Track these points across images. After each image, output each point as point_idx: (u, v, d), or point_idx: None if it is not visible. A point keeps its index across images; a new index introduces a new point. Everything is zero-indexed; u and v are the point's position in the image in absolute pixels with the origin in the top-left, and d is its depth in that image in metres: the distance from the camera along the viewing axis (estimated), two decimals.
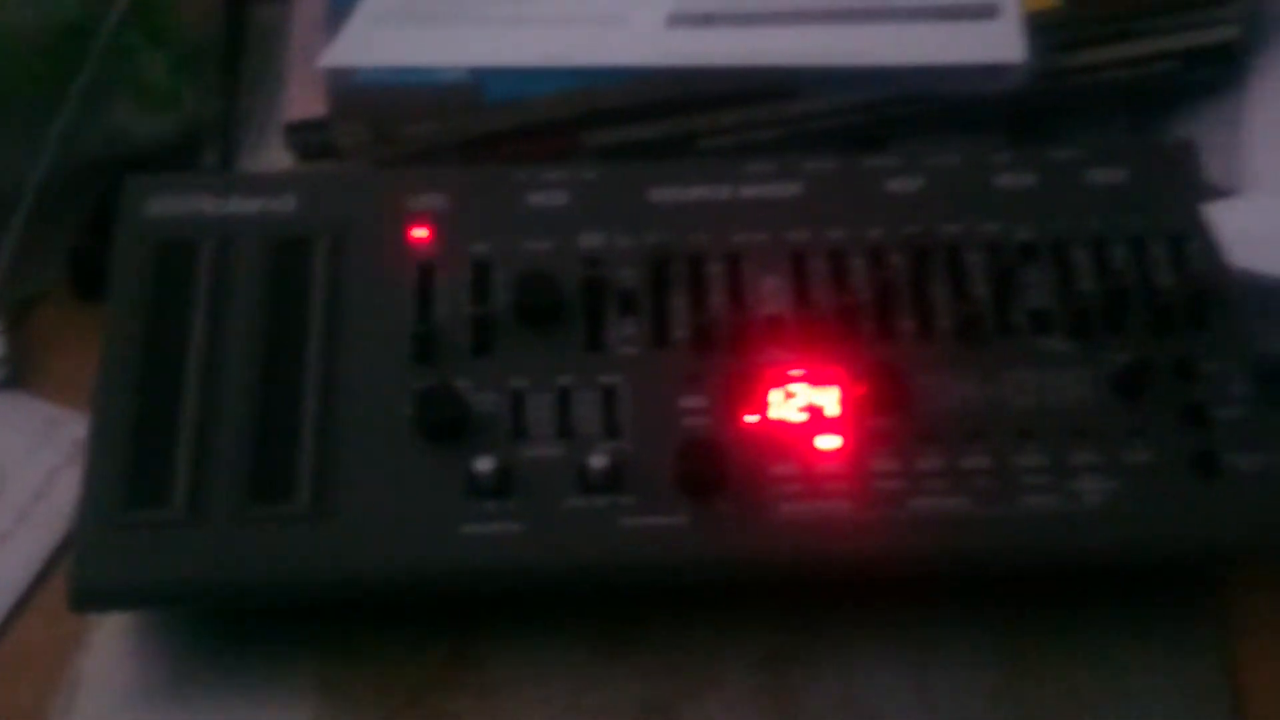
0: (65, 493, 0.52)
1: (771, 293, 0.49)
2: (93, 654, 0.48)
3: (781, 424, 0.47)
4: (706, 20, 0.56)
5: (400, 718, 0.46)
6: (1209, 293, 0.49)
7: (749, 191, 0.52)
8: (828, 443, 0.47)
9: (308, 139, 0.55)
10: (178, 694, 0.47)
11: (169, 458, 0.46)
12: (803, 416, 0.47)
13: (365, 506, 0.46)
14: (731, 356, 0.48)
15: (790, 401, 0.48)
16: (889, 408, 0.47)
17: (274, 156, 0.60)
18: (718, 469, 0.46)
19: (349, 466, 0.46)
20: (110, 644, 0.48)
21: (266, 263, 0.49)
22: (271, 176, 0.55)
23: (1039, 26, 0.55)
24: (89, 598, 0.45)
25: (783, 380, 0.48)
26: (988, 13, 0.55)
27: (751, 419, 0.47)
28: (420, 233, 0.50)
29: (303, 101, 0.56)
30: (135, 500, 0.45)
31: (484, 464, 0.45)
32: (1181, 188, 0.52)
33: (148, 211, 0.50)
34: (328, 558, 0.45)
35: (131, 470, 0.46)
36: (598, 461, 0.46)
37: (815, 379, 0.48)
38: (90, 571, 0.45)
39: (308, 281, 0.49)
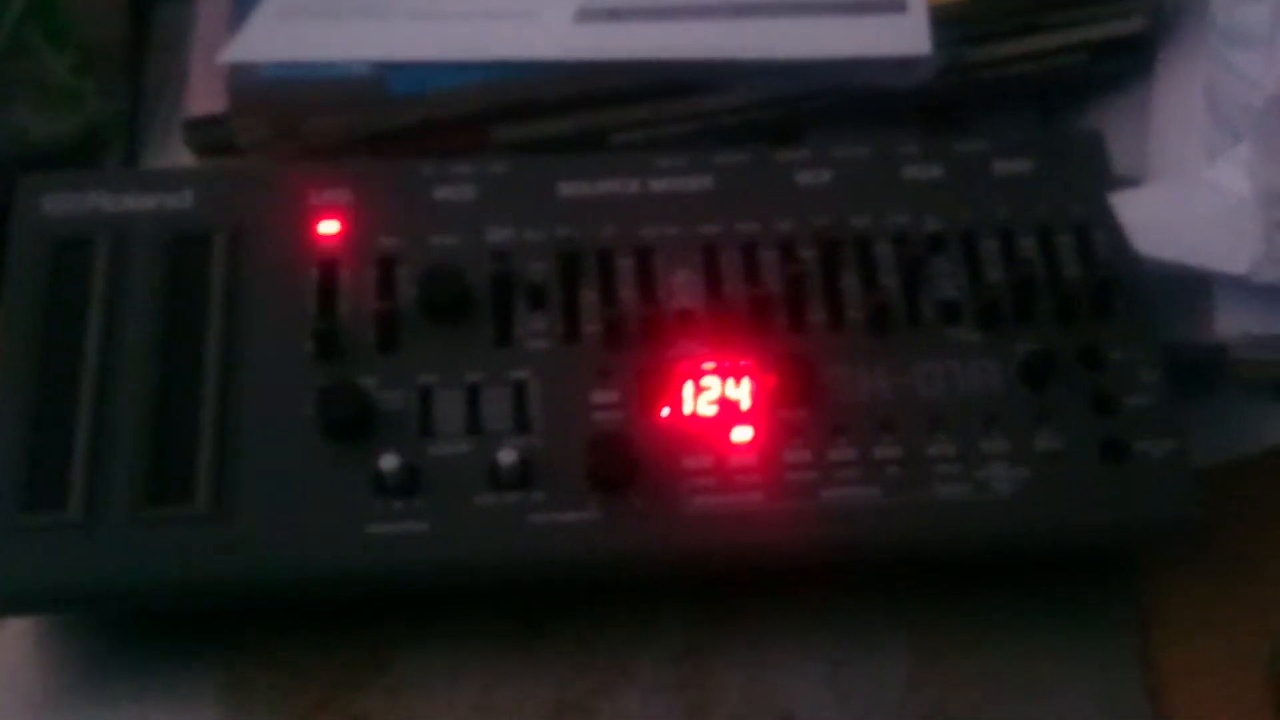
0: None
1: (682, 286, 0.49)
2: None
3: (693, 417, 0.47)
4: (615, 15, 0.56)
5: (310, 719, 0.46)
6: (1115, 282, 0.49)
7: (659, 185, 0.51)
8: (740, 435, 0.47)
9: (207, 135, 0.54)
10: (80, 701, 0.46)
11: (65, 459, 0.45)
12: (714, 409, 0.47)
13: (267, 507, 0.45)
14: (643, 351, 0.48)
15: (702, 395, 0.47)
16: (800, 399, 0.47)
17: (178, 156, 0.58)
18: (629, 463, 0.46)
19: (250, 466, 0.45)
20: (7, 651, 0.47)
21: (163, 260, 0.48)
22: (168, 173, 0.54)
23: (946, 20, 0.55)
24: None
25: (694, 374, 0.48)
26: (896, 7, 0.55)
27: (663, 413, 0.47)
28: (325, 228, 0.49)
29: (204, 98, 0.55)
30: (31, 503, 0.44)
31: (389, 462, 0.45)
32: (1088, 178, 0.52)
33: (42, 210, 0.49)
34: (229, 559, 0.44)
35: (27, 472, 0.45)
36: (507, 458, 0.45)
37: (727, 372, 0.48)
38: None
39: (206, 278, 0.48)
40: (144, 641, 0.47)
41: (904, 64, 0.54)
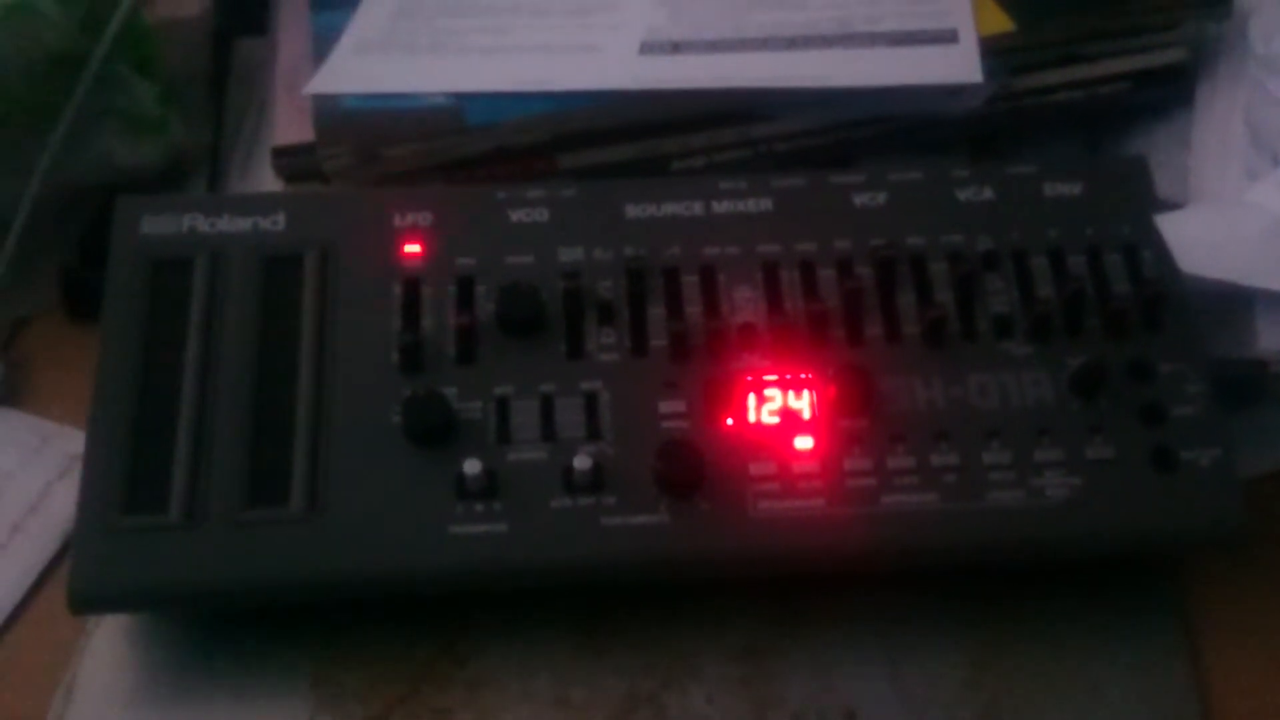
0: (59, 506, 0.53)
1: (744, 303, 0.51)
2: (89, 658, 0.49)
3: (756, 426, 0.49)
4: (676, 48, 0.59)
5: (393, 713, 0.48)
6: (1162, 298, 0.51)
7: (721, 207, 0.54)
8: (802, 443, 0.49)
9: (294, 163, 0.57)
10: (175, 695, 0.48)
11: (165, 463, 0.47)
12: (777, 419, 0.49)
13: (357, 509, 0.47)
14: (707, 363, 0.50)
15: (765, 405, 0.49)
16: (860, 410, 0.49)
17: (259, 182, 0.61)
18: (696, 469, 0.48)
19: (341, 471, 0.48)
20: (107, 648, 0.49)
21: (258, 278, 0.51)
22: (262, 196, 0.57)
23: (995, 51, 0.57)
24: (87, 600, 0.46)
25: (757, 385, 0.50)
26: (948, 38, 0.58)
27: (728, 422, 0.49)
28: (408, 248, 0.52)
29: (289, 128, 0.58)
30: (132, 505, 0.47)
31: (471, 467, 0.47)
32: (1135, 200, 0.54)
33: (141, 230, 0.52)
34: (321, 559, 0.46)
35: (129, 475, 0.47)
36: (581, 463, 0.47)
37: (788, 384, 0.50)
38: (89, 574, 0.46)
39: (298, 295, 0.51)
40: (235, 639, 0.49)
41: (955, 92, 0.57)
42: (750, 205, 0.54)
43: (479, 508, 0.47)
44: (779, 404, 0.49)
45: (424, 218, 0.52)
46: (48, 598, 0.51)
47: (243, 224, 0.52)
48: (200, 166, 0.64)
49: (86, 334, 0.51)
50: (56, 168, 0.58)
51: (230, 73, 0.67)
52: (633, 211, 0.53)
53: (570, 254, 0.52)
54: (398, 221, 0.52)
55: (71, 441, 0.53)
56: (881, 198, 0.54)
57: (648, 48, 0.59)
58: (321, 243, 0.52)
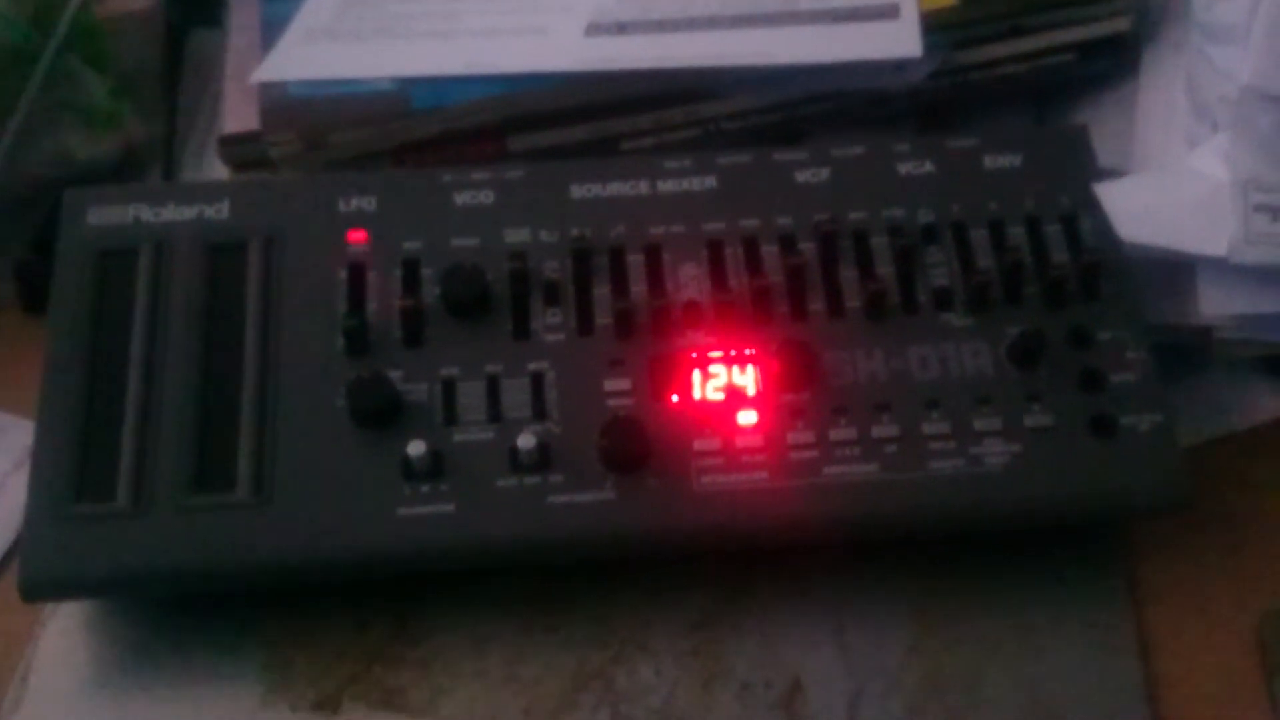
0: (14, 497, 0.53)
1: (689, 280, 0.52)
2: (44, 645, 0.50)
3: (701, 402, 0.50)
4: (622, 28, 0.59)
5: (345, 694, 0.48)
6: (1100, 266, 0.51)
7: (665, 186, 0.54)
8: (745, 418, 0.49)
9: (241, 151, 0.57)
10: (129, 681, 0.49)
11: (113, 452, 0.48)
12: (721, 395, 0.50)
13: (304, 493, 0.48)
14: (652, 341, 0.51)
15: (709, 381, 0.50)
16: (802, 384, 0.50)
17: (213, 173, 0.62)
18: (641, 446, 0.48)
19: (287, 456, 0.48)
20: (61, 635, 0.50)
21: (202, 265, 0.51)
22: (206, 185, 0.57)
23: (937, 26, 0.57)
24: (38, 587, 0.47)
25: (701, 361, 0.50)
26: (889, 13, 0.58)
27: (673, 399, 0.50)
28: (355, 233, 0.52)
29: (238, 116, 0.58)
30: (81, 493, 0.47)
31: (416, 448, 0.48)
32: (1075, 169, 0.54)
33: (87, 221, 0.52)
34: (269, 543, 0.47)
35: (77, 464, 0.48)
36: (526, 443, 0.48)
37: (732, 360, 0.50)
38: (39, 563, 0.47)
39: (243, 282, 0.51)
40: (188, 624, 0.50)
41: (897, 66, 0.57)
42: (695, 183, 0.54)
43: (425, 489, 0.48)
44: (723, 380, 0.50)
45: (368, 202, 0.53)
46: (4, 587, 0.51)
47: (187, 213, 0.52)
48: (156, 159, 0.64)
49: (43, 327, 0.51)
50: (11, 163, 0.58)
51: (183, 64, 0.68)
52: (578, 192, 0.54)
53: (516, 235, 0.53)
54: (342, 206, 0.53)
55: (28, 434, 0.53)
56: (824, 173, 0.54)
57: (594, 29, 0.59)
58: (266, 229, 0.52)
